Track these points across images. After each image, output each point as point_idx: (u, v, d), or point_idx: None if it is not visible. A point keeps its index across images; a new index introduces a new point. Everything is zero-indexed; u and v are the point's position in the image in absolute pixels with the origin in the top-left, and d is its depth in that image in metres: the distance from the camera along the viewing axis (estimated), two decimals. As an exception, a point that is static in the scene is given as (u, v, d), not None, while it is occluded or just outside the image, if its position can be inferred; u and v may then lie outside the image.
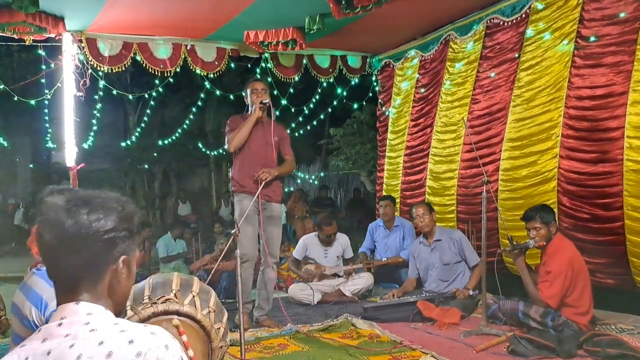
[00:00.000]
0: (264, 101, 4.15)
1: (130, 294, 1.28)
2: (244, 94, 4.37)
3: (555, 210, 4.34)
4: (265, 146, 4.18)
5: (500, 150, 4.90)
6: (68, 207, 1.07)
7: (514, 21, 4.83)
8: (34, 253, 1.89)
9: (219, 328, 2.09)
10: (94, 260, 1.08)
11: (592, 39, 4.16)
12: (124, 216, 1.11)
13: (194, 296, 2.02)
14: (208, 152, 14.26)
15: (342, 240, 5.47)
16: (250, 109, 4.27)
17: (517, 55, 4.79)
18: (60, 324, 1.05)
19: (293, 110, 7.43)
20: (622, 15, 3.95)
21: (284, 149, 4.31)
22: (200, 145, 14.25)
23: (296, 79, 6.44)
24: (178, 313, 1.94)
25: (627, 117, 3.88)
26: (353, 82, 6.85)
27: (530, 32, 4.68)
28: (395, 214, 6.04)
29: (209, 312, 2.05)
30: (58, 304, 1.09)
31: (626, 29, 3.93)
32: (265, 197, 4.14)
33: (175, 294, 2.00)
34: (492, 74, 5.06)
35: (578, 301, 3.51)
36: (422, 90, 6.05)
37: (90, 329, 1.02)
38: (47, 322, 1.67)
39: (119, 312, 1.16)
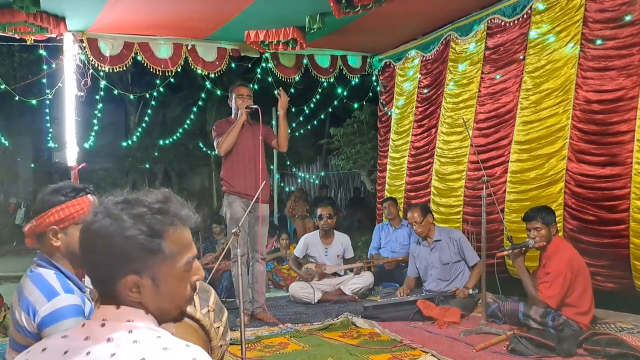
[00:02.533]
0: (250, 106, 4.33)
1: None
2: (228, 98, 4.57)
3: (561, 212, 4.34)
4: (253, 148, 4.38)
5: (509, 153, 4.89)
6: (95, 208, 1.06)
7: (516, 22, 4.82)
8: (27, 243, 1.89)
9: (219, 327, 2.10)
10: (101, 270, 1.05)
11: (599, 42, 4.14)
12: (136, 230, 1.02)
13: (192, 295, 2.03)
14: (209, 151, 14.29)
15: (343, 240, 5.49)
16: (233, 112, 4.48)
17: (522, 57, 4.78)
18: (103, 324, 1.03)
19: (294, 110, 7.44)
20: (628, 18, 3.93)
21: (271, 138, 4.55)
22: (201, 144, 14.28)
23: (297, 78, 6.45)
24: None
25: (637, 121, 3.88)
26: (353, 82, 6.86)
27: (533, 33, 4.67)
28: (399, 214, 6.07)
29: (209, 311, 2.06)
30: (100, 303, 1.08)
31: (634, 32, 3.91)
32: (252, 198, 4.22)
33: None
34: (498, 76, 5.04)
35: (579, 301, 3.51)
36: (425, 91, 6.04)
37: (133, 340, 0.99)
38: (39, 328, 1.64)
39: (165, 320, 1.10)
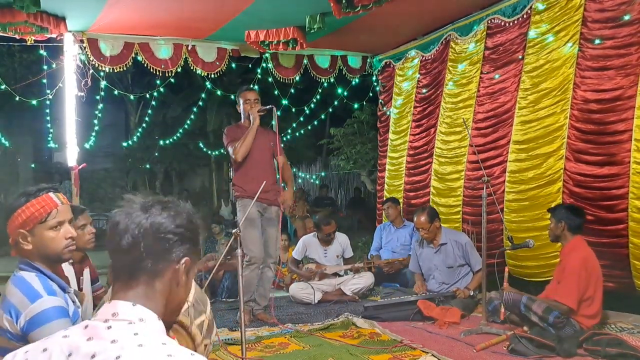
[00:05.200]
0: (260, 109, 4.29)
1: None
2: (236, 102, 4.52)
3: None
4: (265, 152, 4.38)
5: (507, 153, 4.89)
6: (144, 203, 1.14)
7: (516, 22, 4.81)
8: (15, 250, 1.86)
9: (203, 321, 2.08)
10: (158, 253, 1.12)
11: (597, 41, 4.14)
12: (191, 224, 1.18)
13: None
14: (209, 152, 14.28)
15: (342, 240, 5.48)
16: (243, 116, 4.44)
17: (520, 57, 4.78)
18: (109, 327, 1.03)
19: (294, 110, 7.44)
20: (626, 17, 3.93)
21: (277, 150, 4.47)
22: (201, 145, 14.28)
23: (297, 79, 6.45)
24: None
25: (635, 120, 3.88)
26: (353, 82, 6.86)
27: (532, 33, 4.67)
28: (401, 214, 6.06)
29: (188, 307, 2.04)
30: (113, 298, 1.09)
31: (632, 32, 3.92)
32: (265, 201, 4.30)
33: None
34: (497, 76, 5.04)
35: (587, 302, 3.47)
36: (424, 90, 6.05)
37: (138, 343, 1.00)
38: (22, 331, 1.63)
39: (170, 325, 1.16)
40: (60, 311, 1.69)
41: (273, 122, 4.44)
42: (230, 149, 4.39)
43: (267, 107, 4.29)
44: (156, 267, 1.12)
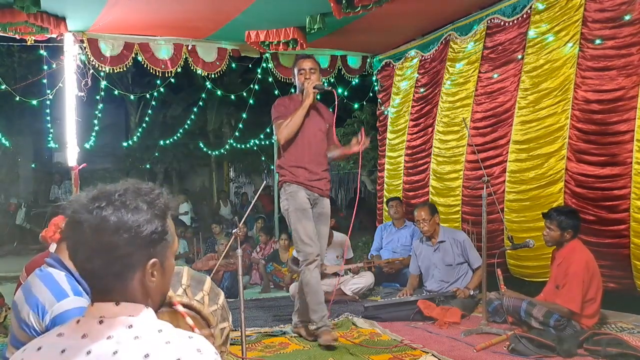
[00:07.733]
0: (318, 86, 3.71)
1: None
2: (292, 73, 3.92)
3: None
4: (317, 133, 3.78)
5: (507, 152, 4.88)
6: (90, 205, 1.01)
7: (515, 21, 4.81)
8: (47, 237, 1.93)
9: (216, 310, 2.13)
10: (118, 263, 1.01)
11: (598, 41, 4.14)
12: (152, 215, 1.03)
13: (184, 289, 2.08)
14: (209, 151, 14.29)
15: (342, 240, 5.48)
16: (298, 89, 3.82)
17: (520, 57, 4.78)
18: (101, 322, 1.01)
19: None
20: (627, 17, 3.93)
21: (331, 136, 3.91)
22: (201, 144, 14.28)
23: (297, 79, 6.44)
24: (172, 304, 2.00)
25: (637, 121, 3.87)
26: (354, 82, 6.86)
27: (532, 33, 4.67)
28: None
29: (203, 296, 2.08)
30: (93, 301, 1.05)
31: (633, 32, 3.91)
32: (318, 191, 3.77)
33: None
34: (495, 75, 5.04)
35: (589, 303, 3.48)
36: (422, 90, 6.05)
37: (134, 336, 0.98)
38: (47, 328, 1.66)
39: (160, 306, 1.12)
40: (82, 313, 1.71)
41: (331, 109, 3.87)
42: (274, 127, 3.81)
43: (324, 87, 3.72)
44: (117, 276, 1.02)
